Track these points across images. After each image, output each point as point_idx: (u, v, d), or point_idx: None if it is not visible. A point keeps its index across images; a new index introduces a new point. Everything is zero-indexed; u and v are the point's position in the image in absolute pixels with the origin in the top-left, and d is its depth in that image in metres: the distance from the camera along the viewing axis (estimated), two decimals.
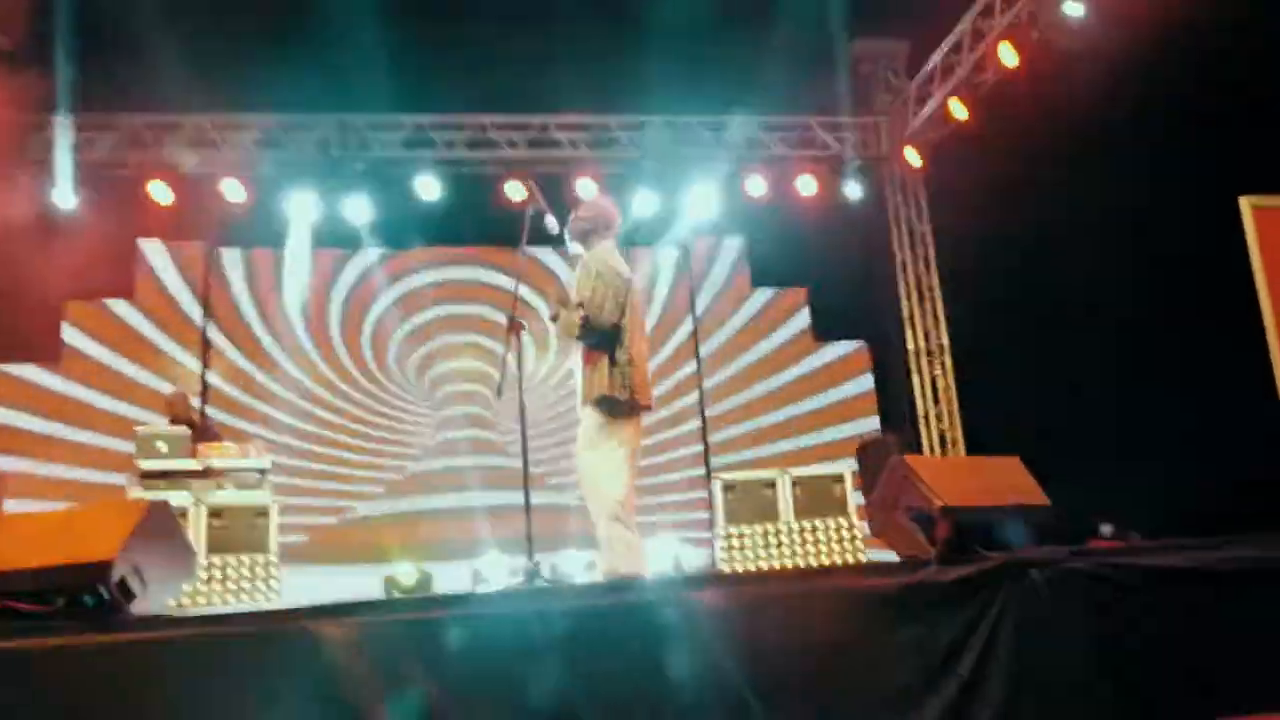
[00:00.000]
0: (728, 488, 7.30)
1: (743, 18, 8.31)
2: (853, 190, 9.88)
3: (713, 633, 3.41)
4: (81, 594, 3.22)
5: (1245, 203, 4.33)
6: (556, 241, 4.74)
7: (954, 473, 3.86)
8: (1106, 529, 7.53)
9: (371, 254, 9.59)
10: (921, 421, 9.71)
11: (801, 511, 7.25)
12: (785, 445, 9.51)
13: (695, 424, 9.67)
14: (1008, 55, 8.17)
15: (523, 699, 3.19)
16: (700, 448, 9.64)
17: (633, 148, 9.56)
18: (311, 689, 3.12)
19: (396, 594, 7.60)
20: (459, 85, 9.02)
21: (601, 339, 4.20)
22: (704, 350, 9.91)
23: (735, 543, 7.14)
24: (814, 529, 7.22)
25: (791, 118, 9.84)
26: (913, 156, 9.48)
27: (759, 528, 7.21)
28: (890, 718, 3.41)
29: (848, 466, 7.89)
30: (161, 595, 3.40)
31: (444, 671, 3.22)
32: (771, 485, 7.34)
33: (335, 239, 9.32)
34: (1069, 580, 3.65)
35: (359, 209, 9.12)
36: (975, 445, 9.56)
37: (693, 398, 9.74)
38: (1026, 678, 3.48)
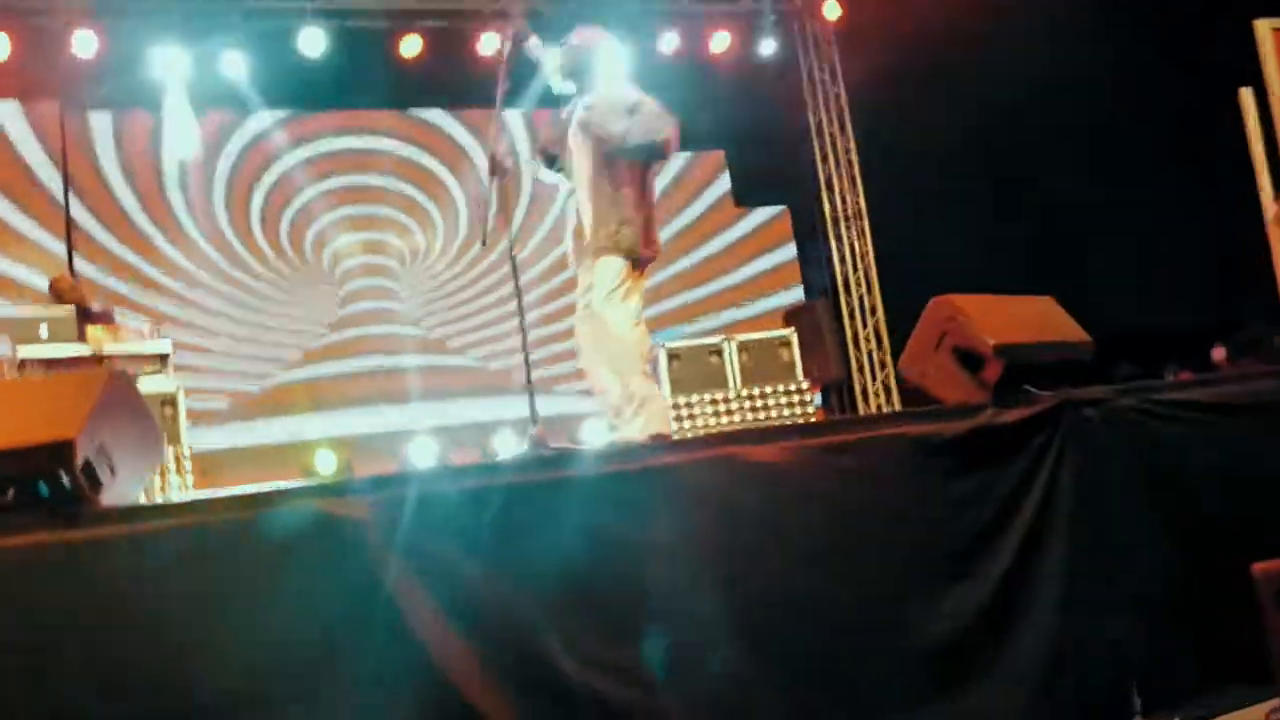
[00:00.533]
0: (673, 356, 6.98)
1: None
2: (767, 47, 9.45)
3: (766, 491, 3.09)
4: (35, 483, 2.63)
5: (1263, 25, 4.14)
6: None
7: (999, 310, 3.61)
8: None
9: (255, 121, 8.62)
10: (841, 289, 9.57)
11: (749, 378, 7.00)
12: (711, 321, 9.22)
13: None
14: None
15: (582, 572, 2.82)
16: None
17: None
18: (334, 580, 2.66)
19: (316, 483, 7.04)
20: None
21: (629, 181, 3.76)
22: None
23: (684, 412, 6.85)
24: (763, 394, 6.98)
25: None
26: (831, 9, 9.09)
27: (706, 395, 6.93)
28: (950, 578, 3.21)
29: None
30: (130, 484, 2.82)
31: (484, 550, 2.80)
32: (718, 352, 7.06)
33: (212, 102, 8.28)
34: (1121, 417, 3.51)
35: (237, 67, 8.12)
36: (894, 313, 9.51)
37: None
38: (1086, 520, 3.34)
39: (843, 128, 9.76)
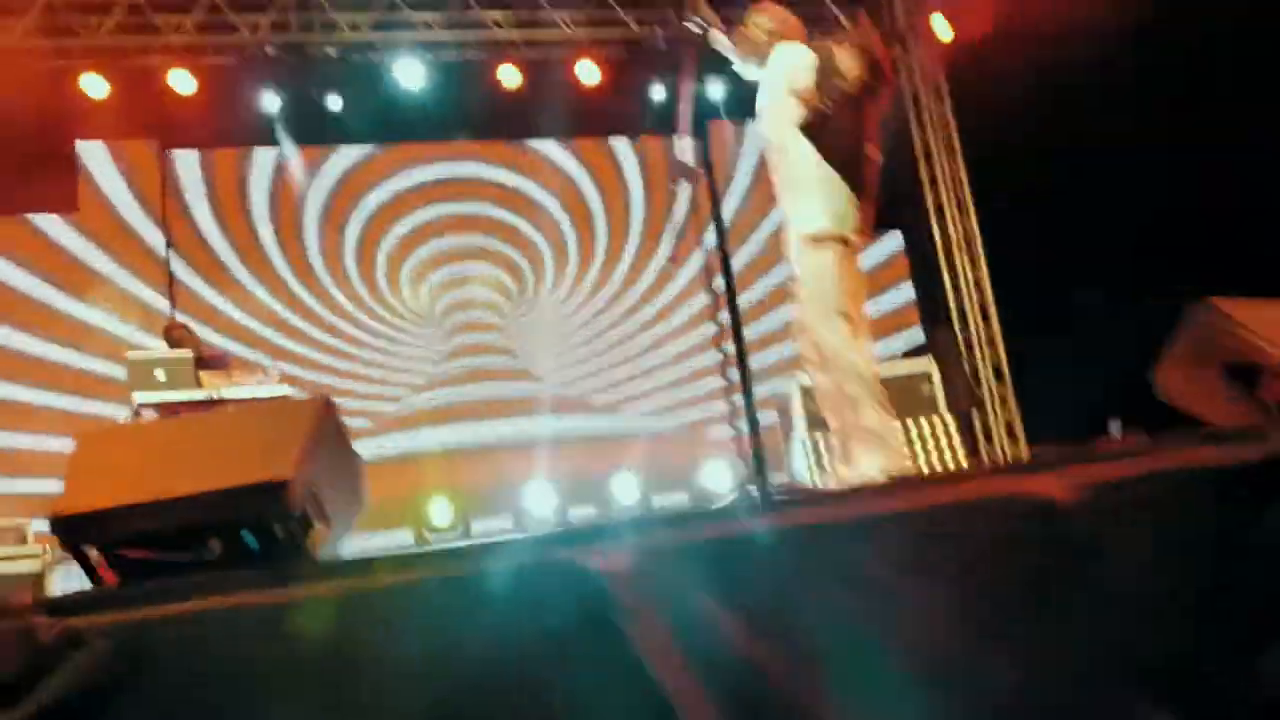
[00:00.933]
0: (807, 391, 6.53)
1: None
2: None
3: (1057, 536, 2.63)
4: (243, 532, 2.24)
5: None
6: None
7: (1275, 318, 3.13)
8: (1115, 426, 7.08)
9: (348, 153, 8.37)
10: (957, 320, 9.09)
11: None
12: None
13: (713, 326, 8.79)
14: None
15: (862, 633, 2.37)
16: (717, 355, 8.75)
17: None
18: (585, 643, 2.23)
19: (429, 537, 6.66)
20: None
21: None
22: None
23: (825, 452, 6.38)
24: (905, 431, 6.50)
25: None
26: (941, 27, 8.70)
27: None
28: (1229, 652, 2.73)
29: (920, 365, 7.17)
30: (340, 531, 2.42)
31: (745, 601, 2.37)
32: None
33: (305, 136, 8.05)
34: None
35: (331, 100, 7.89)
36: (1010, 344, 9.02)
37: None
38: None
39: (951, 151, 9.33)
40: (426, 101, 7.92)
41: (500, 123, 8.37)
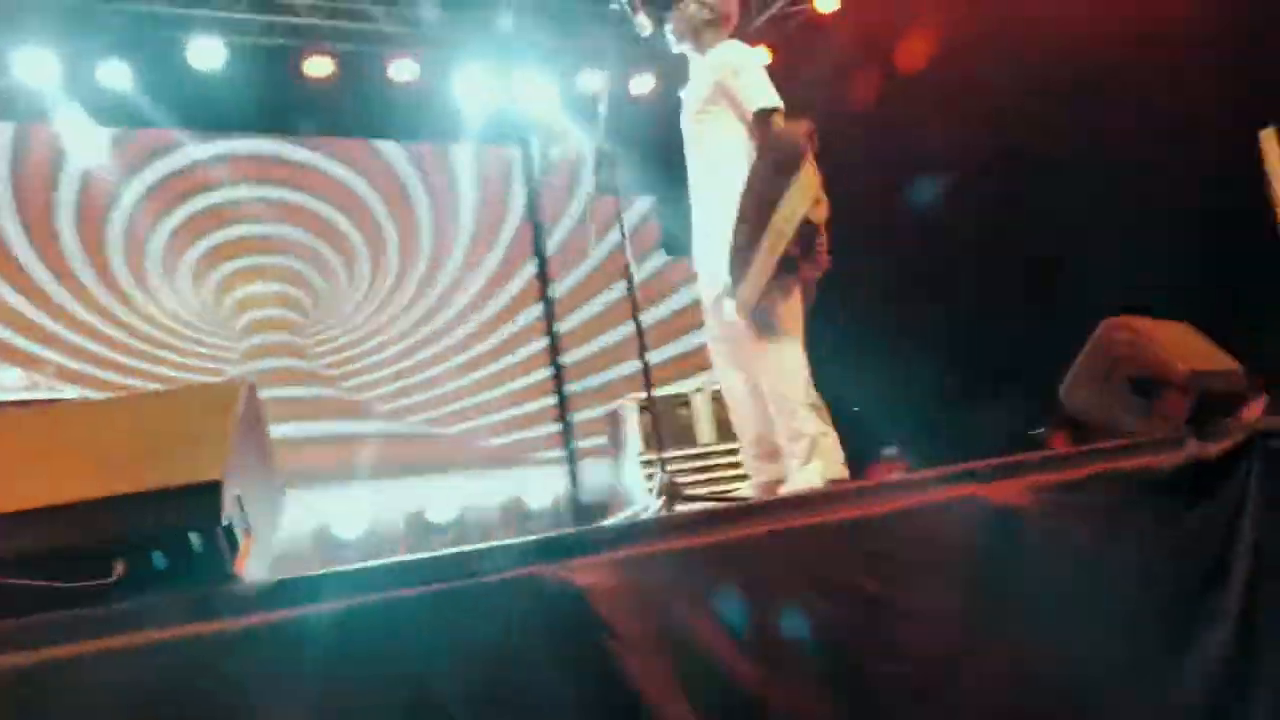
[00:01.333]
0: (643, 408, 6.38)
1: None
2: None
3: (1015, 538, 2.62)
4: (152, 549, 1.79)
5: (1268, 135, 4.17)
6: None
7: (1175, 335, 3.29)
8: (891, 450, 7.52)
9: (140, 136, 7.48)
10: None
11: (725, 433, 6.48)
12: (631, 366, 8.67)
13: (543, 342, 8.54)
14: None
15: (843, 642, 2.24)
16: (548, 371, 8.51)
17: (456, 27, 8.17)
18: (562, 669, 1.96)
19: None
20: None
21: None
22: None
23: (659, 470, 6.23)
24: (732, 451, 6.47)
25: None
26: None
27: (679, 453, 6.37)
28: (1194, 625, 2.83)
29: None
30: (265, 545, 2.00)
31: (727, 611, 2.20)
32: (686, 403, 6.52)
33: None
34: None
35: (118, 76, 7.02)
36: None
37: (537, 310, 8.59)
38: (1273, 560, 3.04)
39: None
40: (227, 87, 7.19)
41: (307, 116, 7.75)
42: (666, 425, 6.37)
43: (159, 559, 1.79)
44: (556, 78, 8.53)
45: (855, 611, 2.29)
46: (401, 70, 7.88)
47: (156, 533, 1.76)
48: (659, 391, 6.72)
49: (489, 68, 8.13)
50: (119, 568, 1.74)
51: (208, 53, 7.17)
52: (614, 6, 3.45)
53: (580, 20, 8.64)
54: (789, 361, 3.26)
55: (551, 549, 2.08)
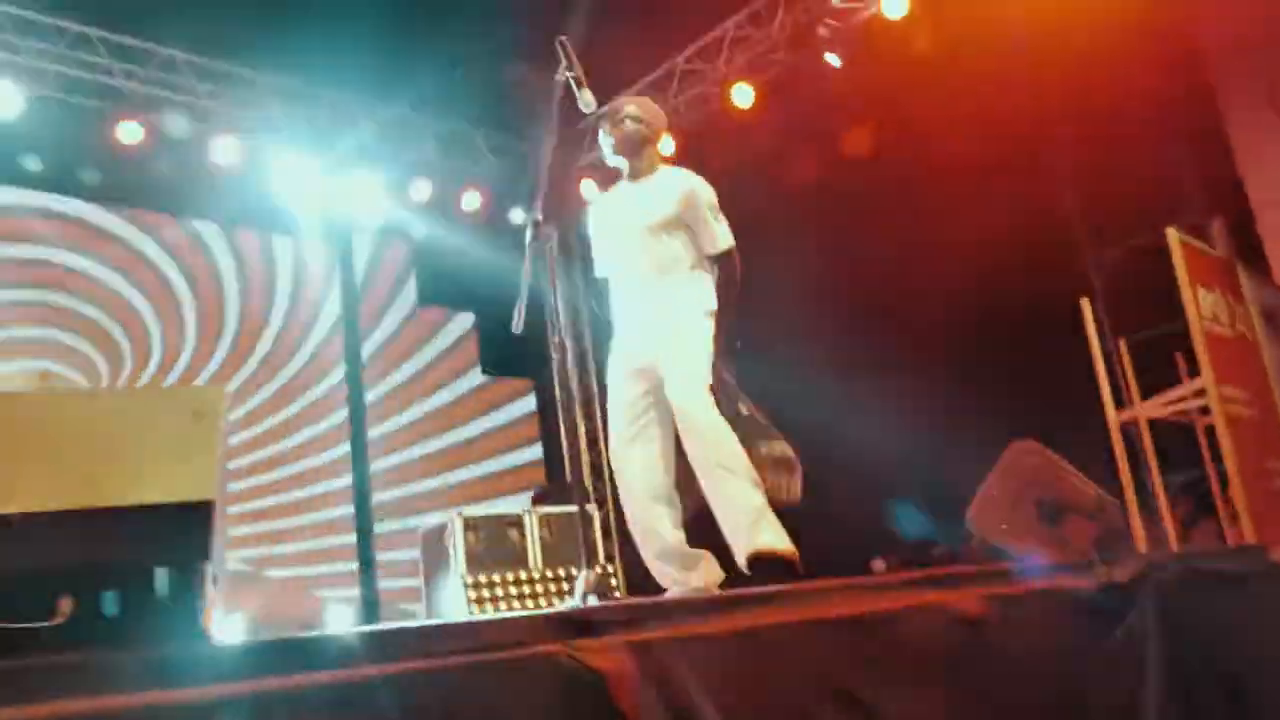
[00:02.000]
0: (470, 526, 6.00)
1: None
2: (517, 216, 9.11)
3: (979, 648, 2.56)
4: (108, 587, 1.37)
5: (1172, 234, 4.58)
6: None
7: (1067, 466, 3.41)
8: (880, 564, 7.54)
9: None
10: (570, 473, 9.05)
11: (550, 557, 6.19)
12: (450, 477, 8.22)
13: (344, 448, 7.91)
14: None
15: None
16: (348, 481, 7.86)
17: (279, 110, 7.80)
18: None
19: None
20: None
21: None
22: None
23: (485, 593, 5.84)
24: (560, 579, 6.18)
25: (458, 125, 8.84)
26: (588, 187, 9.01)
27: (509, 575, 6.00)
28: None
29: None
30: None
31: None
32: (517, 524, 6.19)
33: None
34: (1191, 582, 3.45)
35: None
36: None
37: (343, 414, 7.99)
38: (1178, 682, 3.17)
39: (577, 310, 9.52)
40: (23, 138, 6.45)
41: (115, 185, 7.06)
42: (496, 545, 6.02)
43: (110, 601, 1.37)
44: (385, 183, 8.29)
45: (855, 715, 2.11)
46: (223, 151, 7.40)
47: (119, 565, 1.34)
48: (485, 510, 6.39)
49: (316, 163, 7.78)
50: (65, 605, 1.30)
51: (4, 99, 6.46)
52: (558, 78, 3.36)
53: (415, 133, 8.52)
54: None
55: (564, 626, 1.79)
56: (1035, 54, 6.62)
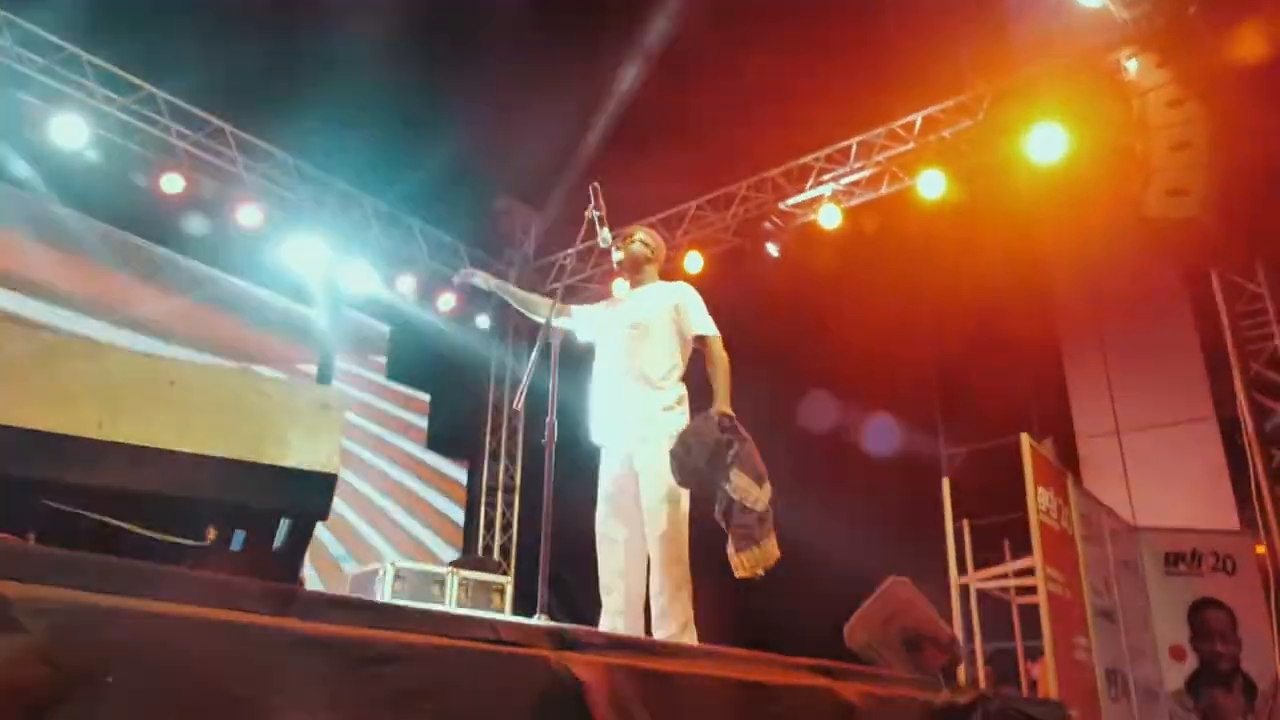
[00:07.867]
0: (400, 576, 5.93)
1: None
2: (483, 321, 9.31)
3: None
4: (243, 524, 1.48)
5: (1025, 439, 4.98)
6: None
7: (929, 604, 3.65)
8: None
9: None
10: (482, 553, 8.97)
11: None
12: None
13: None
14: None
15: None
16: None
17: (302, 191, 7.95)
18: None
19: None
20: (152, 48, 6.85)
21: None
22: None
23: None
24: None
25: (440, 233, 9.07)
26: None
27: None
28: None
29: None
30: None
31: None
32: (440, 581, 6.14)
33: None
34: (1007, 712, 3.66)
35: None
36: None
37: None
38: None
39: (514, 404, 9.62)
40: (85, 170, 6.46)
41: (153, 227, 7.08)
42: (419, 596, 5.94)
43: (239, 538, 1.48)
44: (377, 272, 8.42)
45: None
46: (246, 215, 7.48)
47: (256, 510, 1.46)
48: (415, 566, 6.31)
49: (321, 242, 7.89)
50: (211, 533, 1.41)
51: (70, 130, 6.49)
52: (588, 215, 3.57)
53: (409, 233, 8.72)
54: (683, 540, 3.30)
55: (556, 638, 1.92)
56: (936, 275, 7.22)
